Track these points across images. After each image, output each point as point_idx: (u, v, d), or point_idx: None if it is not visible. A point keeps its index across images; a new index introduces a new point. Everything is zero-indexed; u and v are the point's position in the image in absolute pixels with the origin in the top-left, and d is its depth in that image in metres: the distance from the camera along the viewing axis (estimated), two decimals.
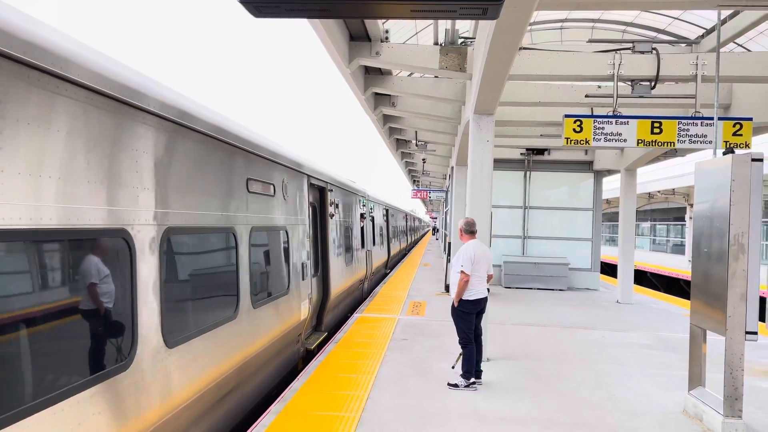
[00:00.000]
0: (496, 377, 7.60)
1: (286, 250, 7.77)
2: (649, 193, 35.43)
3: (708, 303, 5.95)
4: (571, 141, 8.32)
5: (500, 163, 18.68)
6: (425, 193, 28.97)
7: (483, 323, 7.59)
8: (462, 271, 6.87)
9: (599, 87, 9.91)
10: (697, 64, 8.21)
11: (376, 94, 11.90)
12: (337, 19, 2.77)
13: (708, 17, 10.81)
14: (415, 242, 54.32)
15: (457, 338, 7.20)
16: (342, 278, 12.11)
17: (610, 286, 19.30)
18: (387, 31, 8.66)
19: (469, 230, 7.30)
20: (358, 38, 8.58)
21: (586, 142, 8.28)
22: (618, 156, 16.39)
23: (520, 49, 8.47)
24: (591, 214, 18.68)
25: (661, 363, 8.70)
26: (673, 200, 34.40)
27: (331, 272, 10.79)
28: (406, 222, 36.22)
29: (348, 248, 13.16)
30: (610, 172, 18.44)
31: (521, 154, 18.54)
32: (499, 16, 3.20)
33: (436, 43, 8.68)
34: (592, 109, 10.92)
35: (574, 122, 8.28)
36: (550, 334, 10.57)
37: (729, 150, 5.75)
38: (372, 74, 10.49)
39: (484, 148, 8.41)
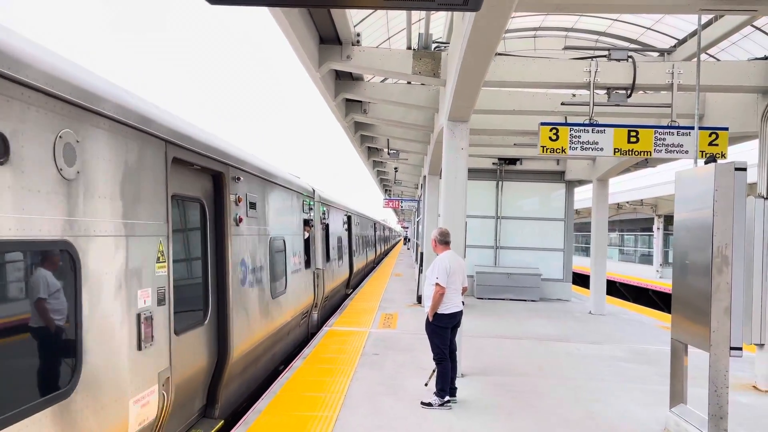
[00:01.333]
0: (471, 394, 7.29)
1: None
2: (618, 204, 35.76)
3: (690, 317, 5.75)
4: (547, 149, 8.11)
5: (472, 173, 18.41)
6: (397, 203, 28.74)
7: (457, 337, 7.28)
8: (437, 284, 6.54)
9: (573, 95, 9.76)
10: (673, 73, 8.09)
11: (348, 100, 11.59)
12: (301, 7, 2.50)
13: (680, 28, 10.79)
14: (386, 253, 53.05)
15: (431, 354, 6.88)
16: (263, 321, 7.71)
17: (582, 297, 19.23)
18: (359, 34, 8.36)
19: (444, 240, 7.00)
20: (329, 41, 8.26)
21: (563, 150, 8.08)
22: (590, 166, 16.35)
23: (496, 54, 8.27)
24: (563, 224, 18.61)
25: (637, 377, 8.50)
26: (642, 211, 34.77)
27: (235, 319, 6.42)
28: (376, 231, 33.14)
29: (277, 272, 8.73)
30: (581, 182, 18.42)
31: (493, 164, 18.41)
32: (480, 8, 2.91)
33: (409, 48, 8.40)
34: (566, 117, 10.77)
35: (550, 130, 8.08)
36: (526, 347, 10.33)
37: (711, 159, 5.57)
38: (343, 79, 10.18)
39: (458, 156, 8.14)
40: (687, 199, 5.89)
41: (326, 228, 13.83)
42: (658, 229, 33.76)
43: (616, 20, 10.45)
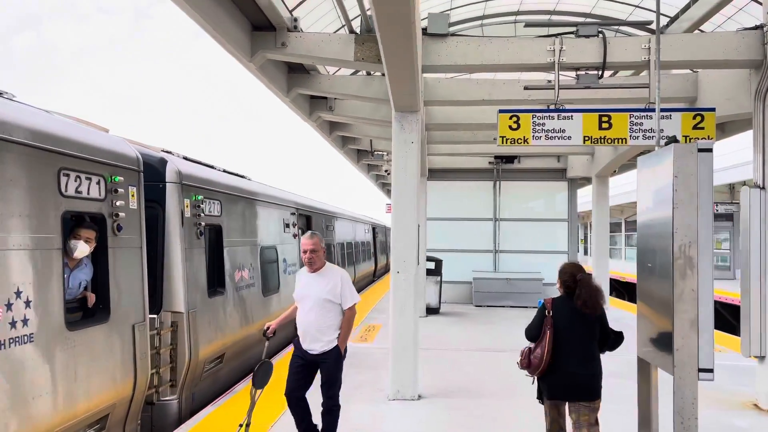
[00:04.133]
0: (418, 420, 6.38)
1: None
2: (636, 202, 34.49)
3: (653, 332, 4.77)
4: (506, 140, 7.19)
5: (467, 173, 17.61)
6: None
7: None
8: (355, 304, 5.29)
9: (549, 82, 8.81)
10: (649, 48, 7.10)
11: (312, 97, 10.78)
12: None
13: (672, 4, 9.77)
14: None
15: (329, 401, 5.22)
16: None
17: None
18: (296, 19, 7.54)
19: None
20: (262, 27, 7.46)
21: (525, 140, 7.14)
22: (589, 162, 15.29)
23: (448, 35, 7.38)
24: (566, 225, 17.52)
25: (624, 396, 7.43)
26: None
27: None
28: (375, 237, 28.01)
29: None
30: (582, 182, 17.34)
31: (489, 163, 17.43)
32: None
33: (352, 32, 7.55)
34: (548, 106, 9.83)
35: (510, 118, 7.16)
36: (506, 362, 9.33)
37: (671, 139, 4.60)
38: (297, 72, 9.36)
39: (409, 150, 7.27)
40: (647, 188, 4.93)
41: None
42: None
43: None
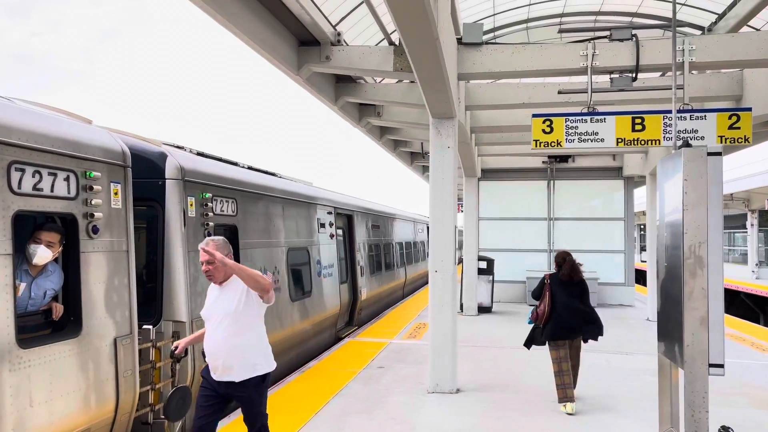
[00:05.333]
0: (452, 413, 6.71)
1: None
2: None
3: (668, 329, 4.94)
4: (540, 143, 7.41)
5: (521, 173, 17.70)
6: (459, 206, 28.07)
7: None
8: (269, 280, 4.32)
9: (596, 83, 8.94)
10: (684, 50, 7.16)
11: (360, 104, 11.26)
12: None
13: (718, 1, 9.66)
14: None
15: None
16: None
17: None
18: (339, 33, 8.02)
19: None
20: (308, 42, 7.98)
21: (558, 143, 7.35)
22: (643, 161, 15.09)
23: (482, 44, 7.68)
24: (623, 224, 17.31)
25: (656, 393, 7.55)
26: (732, 206, 31.98)
27: None
28: (415, 234, 23.08)
29: None
30: (640, 180, 17.07)
31: (543, 162, 17.44)
32: None
33: (391, 44, 7.96)
34: (585, 108, 9.92)
35: (543, 122, 7.38)
36: (547, 359, 9.50)
37: (685, 143, 4.77)
38: (345, 82, 9.86)
39: (445, 155, 7.60)
40: (664, 191, 5.10)
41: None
42: (752, 225, 30.94)
43: None
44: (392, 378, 8.32)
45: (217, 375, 4.19)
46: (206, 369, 4.29)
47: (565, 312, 6.74)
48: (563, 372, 6.75)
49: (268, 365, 4.34)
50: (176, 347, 4.48)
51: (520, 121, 11.01)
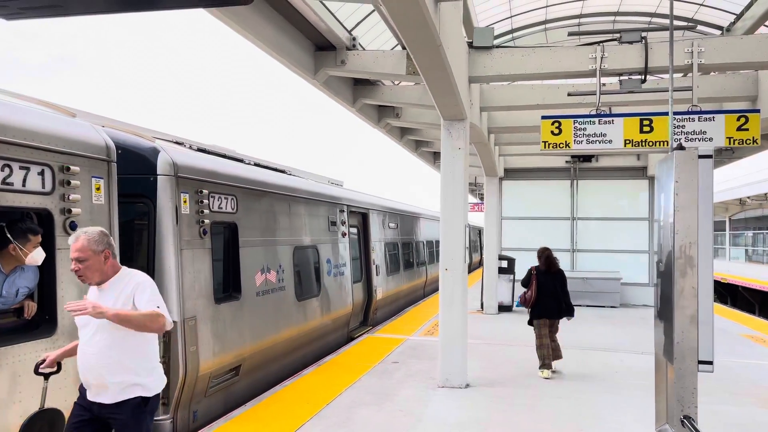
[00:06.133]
0: (458, 406, 6.92)
1: None
2: (740, 200, 32.47)
3: (663, 326, 5.08)
4: (549, 145, 7.57)
5: (543, 173, 17.73)
6: (480, 206, 28.14)
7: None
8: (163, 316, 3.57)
9: (604, 85, 9.03)
10: (692, 52, 7.23)
11: (379, 105, 11.51)
12: (70, 16, 2.49)
13: (735, 1, 9.64)
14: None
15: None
16: None
17: None
18: (354, 38, 8.29)
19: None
20: (325, 47, 8.26)
21: (566, 145, 7.49)
22: None
23: (492, 47, 7.85)
24: (647, 224, 17.21)
25: None
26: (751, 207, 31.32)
27: None
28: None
29: None
30: None
31: (566, 162, 17.44)
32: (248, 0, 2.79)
33: (404, 48, 8.19)
34: (609, 108, 10.00)
35: (552, 124, 7.53)
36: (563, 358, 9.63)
37: (679, 146, 4.90)
38: (362, 84, 10.12)
39: (456, 156, 7.80)
40: (659, 193, 5.23)
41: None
42: None
43: None
44: (405, 373, 8.55)
45: (91, 394, 3.60)
46: (82, 386, 3.69)
47: (547, 298, 8.41)
48: (543, 345, 8.38)
49: (153, 386, 3.65)
50: (43, 360, 3.69)
51: (536, 122, 11.10)
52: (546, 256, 8.69)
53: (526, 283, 8.66)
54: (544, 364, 8.30)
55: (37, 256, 4.17)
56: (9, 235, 4.15)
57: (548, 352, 8.35)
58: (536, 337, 8.46)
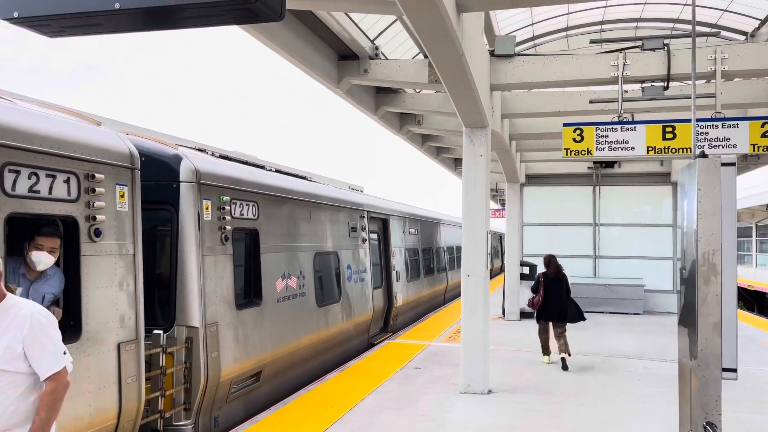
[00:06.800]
0: (481, 411, 6.96)
1: None
2: (767, 205, 31.96)
3: (687, 333, 5.08)
4: (571, 152, 7.59)
5: (566, 178, 17.68)
6: (501, 211, 28.09)
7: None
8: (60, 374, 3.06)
9: (626, 92, 9.03)
10: (715, 59, 7.22)
11: (401, 113, 11.61)
12: (107, 33, 2.59)
13: (760, 7, 9.58)
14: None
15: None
16: None
17: None
18: (377, 48, 8.40)
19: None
20: (347, 57, 8.39)
21: (588, 152, 7.52)
22: None
23: (514, 56, 7.91)
24: (671, 231, 17.06)
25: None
26: None
27: None
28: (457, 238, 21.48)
29: None
30: None
31: (588, 167, 17.37)
32: (281, 16, 2.91)
33: (426, 56, 8.28)
34: (629, 115, 9.98)
35: (574, 131, 7.55)
36: (584, 364, 9.61)
37: (701, 153, 4.91)
38: (384, 92, 10.23)
39: (478, 163, 7.86)
40: (684, 200, 5.24)
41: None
42: None
43: (646, 3, 9.54)
44: (427, 378, 8.61)
45: None
46: None
47: (554, 303, 9.42)
48: (545, 338, 9.73)
49: None
50: None
51: (558, 128, 11.12)
52: (554, 264, 9.64)
53: (536, 289, 9.62)
54: (545, 352, 9.67)
55: (46, 260, 4.12)
56: (30, 242, 4.15)
57: (547, 343, 9.68)
58: (539, 332, 9.83)
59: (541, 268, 16.06)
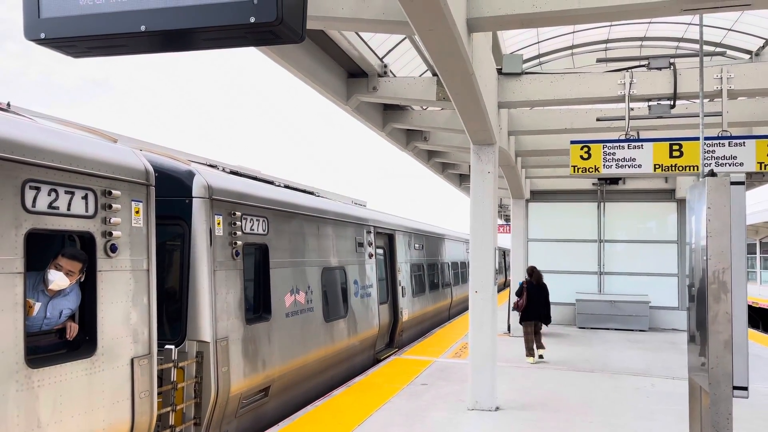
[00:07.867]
0: (491, 428, 6.95)
1: None
2: None
3: (697, 351, 5.09)
4: (578, 169, 7.65)
5: (570, 195, 17.72)
6: (507, 227, 28.12)
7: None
8: None
9: (632, 109, 9.10)
10: (722, 78, 7.29)
11: (408, 130, 11.70)
12: (128, 54, 2.64)
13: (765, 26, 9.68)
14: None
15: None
16: None
17: None
18: (386, 65, 8.50)
19: None
20: (357, 74, 8.49)
21: (596, 169, 7.57)
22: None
23: (522, 74, 7.99)
24: (676, 247, 17.06)
25: None
26: None
27: None
28: (462, 254, 22.61)
29: None
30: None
31: (593, 184, 17.41)
32: (302, 38, 2.97)
33: (434, 74, 8.38)
34: (637, 132, 10.05)
35: (581, 148, 7.61)
36: (591, 381, 9.60)
37: (710, 172, 4.96)
38: (392, 109, 10.33)
39: (485, 179, 7.91)
40: (692, 218, 5.28)
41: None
42: None
43: (651, 23, 9.64)
44: (434, 395, 8.60)
45: None
46: None
47: (534, 305, 11.31)
48: (529, 340, 11.18)
49: None
50: None
51: (564, 145, 11.19)
52: (537, 273, 11.65)
53: (519, 293, 11.60)
54: (530, 354, 11.14)
55: (60, 281, 4.20)
56: (59, 264, 4.25)
57: (532, 344, 11.17)
58: (524, 334, 11.34)
59: (553, 284, 16.21)
